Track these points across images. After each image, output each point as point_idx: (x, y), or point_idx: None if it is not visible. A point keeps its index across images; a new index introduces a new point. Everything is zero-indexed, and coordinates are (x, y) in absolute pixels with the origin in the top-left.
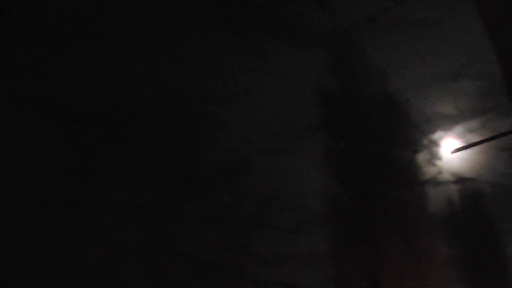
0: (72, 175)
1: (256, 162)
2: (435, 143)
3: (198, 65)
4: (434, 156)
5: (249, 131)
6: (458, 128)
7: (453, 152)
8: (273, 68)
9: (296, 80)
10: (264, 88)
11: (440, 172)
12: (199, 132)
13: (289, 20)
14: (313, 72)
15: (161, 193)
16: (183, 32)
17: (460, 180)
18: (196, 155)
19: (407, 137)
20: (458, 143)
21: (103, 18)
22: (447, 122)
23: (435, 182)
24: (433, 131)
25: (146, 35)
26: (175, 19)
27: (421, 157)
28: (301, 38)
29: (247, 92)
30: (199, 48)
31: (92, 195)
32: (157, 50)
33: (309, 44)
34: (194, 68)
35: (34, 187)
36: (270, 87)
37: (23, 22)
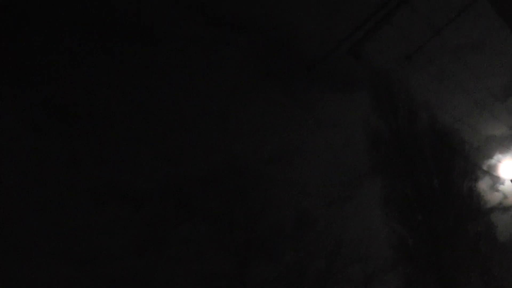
0: (142, 253)
1: (317, 215)
2: (494, 168)
3: (250, 127)
4: (496, 181)
5: (307, 184)
6: None
7: None
8: (321, 118)
9: (345, 126)
10: (316, 139)
11: (505, 197)
12: (259, 193)
13: (331, 70)
14: (361, 116)
15: (229, 259)
16: (232, 98)
17: None
18: (259, 217)
19: (464, 167)
20: None
21: (156, 98)
22: (502, 144)
23: (502, 208)
24: (489, 156)
25: (197, 106)
26: (223, 87)
27: (482, 184)
28: (345, 85)
29: (301, 145)
30: (249, 111)
31: (162, 268)
32: (208, 120)
33: (352, 90)
34: (247, 130)
35: (108, 268)
36: (322, 137)
37: (82, 120)
